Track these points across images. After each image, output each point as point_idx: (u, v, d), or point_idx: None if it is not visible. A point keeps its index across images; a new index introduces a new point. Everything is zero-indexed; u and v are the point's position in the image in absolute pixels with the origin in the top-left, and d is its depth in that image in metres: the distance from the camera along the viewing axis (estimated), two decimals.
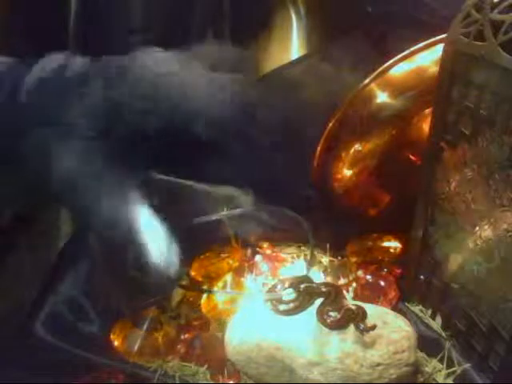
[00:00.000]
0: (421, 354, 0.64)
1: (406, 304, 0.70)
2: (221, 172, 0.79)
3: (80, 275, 0.69)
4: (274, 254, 0.79)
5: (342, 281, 0.73)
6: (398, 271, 0.74)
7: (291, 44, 0.90)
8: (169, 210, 0.68)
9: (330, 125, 0.72)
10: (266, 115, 0.78)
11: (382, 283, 0.72)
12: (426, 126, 0.67)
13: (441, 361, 0.64)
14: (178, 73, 0.61)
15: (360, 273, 0.74)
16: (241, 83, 0.65)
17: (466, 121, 0.57)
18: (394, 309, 0.68)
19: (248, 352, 0.60)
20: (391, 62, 0.69)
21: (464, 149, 0.58)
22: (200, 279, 0.75)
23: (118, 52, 0.65)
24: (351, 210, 0.80)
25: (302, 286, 0.62)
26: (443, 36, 0.59)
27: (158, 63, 0.62)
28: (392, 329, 0.59)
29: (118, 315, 0.68)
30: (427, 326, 0.67)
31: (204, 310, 0.71)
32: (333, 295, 0.61)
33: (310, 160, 0.75)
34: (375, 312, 0.61)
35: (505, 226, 0.54)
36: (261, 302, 0.63)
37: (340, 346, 0.57)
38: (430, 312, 0.69)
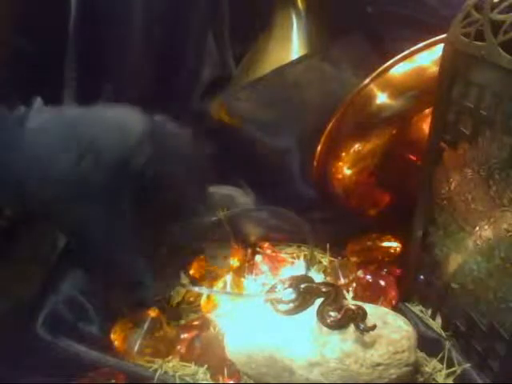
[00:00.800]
0: (421, 354, 0.64)
1: (406, 304, 0.70)
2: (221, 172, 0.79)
3: (80, 275, 0.69)
4: (274, 254, 0.79)
5: (341, 281, 0.73)
6: (398, 271, 0.74)
7: (291, 44, 0.90)
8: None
9: (330, 125, 0.72)
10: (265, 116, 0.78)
11: (382, 283, 0.72)
12: (426, 126, 0.67)
13: (441, 361, 0.64)
14: None
15: (360, 273, 0.74)
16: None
17: (465, 121, 0.57)
18: (394, 309, 0.68)
19: (248, 352, 0.60)
20: (391, 61, 0.69)
21: (464, 149, 0.58)
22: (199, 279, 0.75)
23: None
24: (351, 209, 0.80)
25: (302, 286, 0.62)
26: (443, 36, 0.59)
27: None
28: (392, 329, 0.59)
29: (118, 315, 0.68)
30: (427, 326, 0.67)
31: (204, 310, 0.71)
32: (333, 295, 0.61)
33: (310, 160, 0.75)
34: (375, 312, 0.61)
35: (505, 225, 0.54)
36: (261, 302, 0.63)
37: (340, 346, 0.57)
38: (430, 312, 0.69)
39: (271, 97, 0.83)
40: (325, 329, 0.58)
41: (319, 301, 0.61)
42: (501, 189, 0.54)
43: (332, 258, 0.78)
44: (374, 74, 0.70)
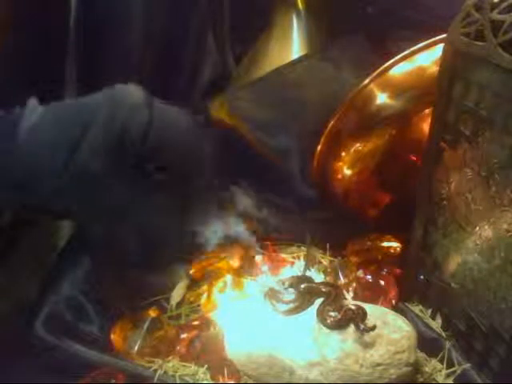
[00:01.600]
0: (421, 354, 0.64)
1: (406, 304, 0.70)
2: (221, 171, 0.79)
3: (80, 275, 0.69)
4: (274, 254, 0.79)
5: (341, 281, 0.73)
6: (398, 271, 0.74)
7: (291, 44, 0.90)
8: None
9: (330, 125, 0.72)
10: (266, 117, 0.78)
11: (382, 283, 0.72)
12: (426, 126, 0.67)
13: (441, 361, 0.64)
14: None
15: (360, 273, 0.74)
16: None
17: (465, 121, 0.57)
18: (394, 309, 0.68)
19: (248, 352, 0.60)
20: (391, 61, 0.69)
21: (464, 149, 0.58)
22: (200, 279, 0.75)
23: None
24: (351, 209, 0.80)
25: (302, 286, 0.62)
26: (443, 36, 0.59)
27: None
28: (392, 329, 0.59)
29: (118, 315, 0.68)
30: (427, 325, 0.67)
31: (204, 310, 0.71)
32: (333, 295, 0.61)
33: (310, 160, 0.75)
34: (375, 312, 0.61)
35: (505, 225, 0.54)
36: (261, 302, 0.63)
37: (340, 346, 0.57)
38: (430, 312, 0.69)
39: (271, 97, 0.83)
40: (325, 329, 0.58)
41: (319, 301, 0.61)
42: (501, 189, 0.54)
43: (332, 258, 0.78)
44: (374, 74, 0.70)
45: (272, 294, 0.63)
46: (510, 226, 0.53)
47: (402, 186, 0.75)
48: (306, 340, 0.58)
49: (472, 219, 0.58)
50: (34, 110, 0.59)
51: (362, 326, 0.57)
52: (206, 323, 0.68)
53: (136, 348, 0.65)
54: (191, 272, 0.75)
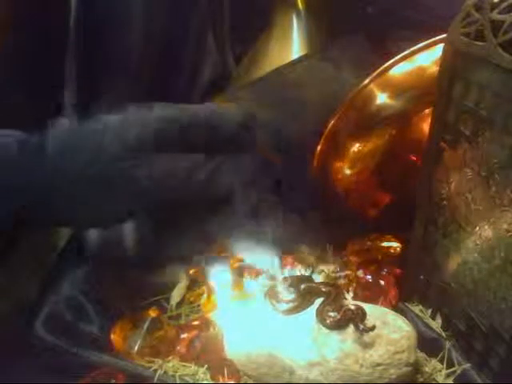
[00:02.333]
0: (421, 354, 0.64)
1: (406, 304, 0.70)
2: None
3: (80, 275, 0.69)
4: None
5: (342, 281, 0.73)
6: (398, 271, 0.74)
7: (291, 44, 0.90)
8: None
9: (330, 125, 0.72)
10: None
11: (382, 283, 0.72)
12: (426, 126, 0.67)
13: (441, 361, 0.64)
14: None
15: (360, 273, 0.74)
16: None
17: (466, 121, 0.57)
18: (394, 309, 0.67)
19: (248, 352, 0.60)
20: (391, 61, 0.69)
21: (464, 149, 0.58)
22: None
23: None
24: (351, 209, 0.80)
25: (302, 285, 0.62)
26: (443, 36, 0.59)
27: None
28: (392, 329, 0.59)
29: (118, 315, 0.68)
30: (427, 325, 0.67)
31: (204, 310, 0.71)
32: (333, 295, 0.61)
33: (310, 160, 0.75)
34: (375, 312, 0.61)
35: (505, 225, 0.54)
36: (261, 302, 0.63)
37: (340, 346, 0.57)
38: (429, 312, 0.69)
39: (271, 97, 0.83)
40: (324, 329, 0.58)
41: (319, 301, 0.61)
42: (501, 189, 0.54)
43: (332, 258, 0.78)
44: (374, 74, 0.70)
45: (272, 294, 0.63)
46: (510, 226, 0.53)
47: (402, 185, 0.75)
48: (306, 340, 0.58)
49: (472, 219, 0.58)
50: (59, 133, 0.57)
51: (361, 327, 0.57)
52: (206, 323, 0.68)
53: (136, 348, 0.64)
54: (191, 272, 0.75)
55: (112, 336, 0.66)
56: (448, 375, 0.63)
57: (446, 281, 0.65)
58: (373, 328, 0.56)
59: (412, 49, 0.68)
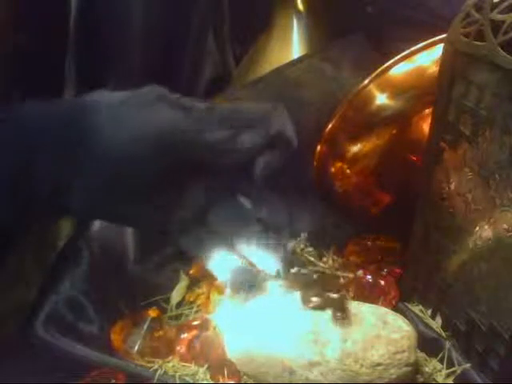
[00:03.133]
0: (421, 354, 0.64)
1: (406, 304, 0.70)
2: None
3: (80, 275, 0.69)
4: None
5: (341, 280, 0.73)
6: (398, 271, 0.74)
7: (291, 44, 0.90)
8: None
9: (330, 125, 0.72)
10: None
11: (382, 283, 0.72)
12: (426, 126, 0.67)
13: (441, 361, 0.64)
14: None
15: (360, 273, 0.73)
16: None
17: (465, 121, 0.57)
18: (394, 309, 0.67)
19: (248, 352, 0.60)
20: (391, 62, 0.69)
21: (464, 149, 0.58)
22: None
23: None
24: (351, 209, 0.80)
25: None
26: (443, 36, 0.59)
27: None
28: (392, 329, 0.59)
29: (118, 315, 0.68)
30: (427, 326, 0.67)
31: (204, 310, 0.71)
32: (321, 283, 0.61)
33: (310, 160, 0.75)
34: (375, 312, 0.61)
35: (505, 225, 0.54)
36: (261, 303, 0.63)
37: (340, 345, 0.57)
38: (430, 312, 0.69)
39: (271, 97, 0.82)
40: (324, 329, 0.58)
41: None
42: (501, 189, 0.54)
43: (334, 257, 0.78)
44: (374, 74, 0.70)
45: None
46: (510, 226, 0.53)
47: (402, 186, 0.75)
48: (306, 340, 0.58)
49: (472, 219, 0.58)
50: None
51: (338, 315, 0.58)
52: (206, 323, 0.68)
53: (136, 348, 0.64)
54: (191, 272, 0.75)
55: (112, 336, 0.66)
56: (448, 375, 0.63)
57: (446, 281, 0.65)
58: (346, 317, 0.58)
59: (412, 49, 0.68)
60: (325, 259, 0.64)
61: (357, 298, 0.70)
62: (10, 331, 0.65)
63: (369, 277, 0.72)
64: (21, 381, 0.61)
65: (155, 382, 0.62)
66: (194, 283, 0.75)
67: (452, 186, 0.61)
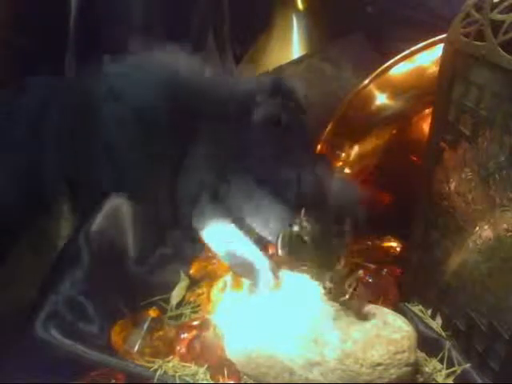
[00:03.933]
0: (421, 354, 0.64)
1: (406, 304, 0.70)
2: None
3: (80, 275, 0.69)
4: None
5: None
6: (398, 271, 0.74)
7: (291, 44, 0.90)
8: None
9: (330, 125, 0.72)
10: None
11: (382, 283, 0.72)
12: (426, 126, 0.67)
13: (441, 361, 0.64)
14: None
15: (360, 273, 0.73)
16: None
17: (465, 121, 0.57)
18: (394, 309, 0.67)
19: (248, 352, 0.60)
20: (391, 62, 0.69)
21: (464, 149, 0.58)
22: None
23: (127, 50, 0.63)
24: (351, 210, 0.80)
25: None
26: (443, 36, 0.59)
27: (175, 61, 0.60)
28: (392, 329, 0.59)
29: (118, 315, 0.68)
30: (427, 326, 0.67)
31: (204, 310, 0.71)
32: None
33: None
34: (375, 312, 0.61)
35: (505, 225, 0.54)
36: (261, 302, 0.63)
37: (340, 345, 0.57)
38: (430, 312, 0.69)
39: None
40: (324, 329, 0.58)
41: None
42: (501, 189, 0.54)
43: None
44: (374, 74, 0.70)
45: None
46: (510, 226, 0.53)
47: (402, 185, 0.75)
48: (306, 340, 0.58)
49: (472, 219, 0.58)
50: None
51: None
52: (206, 323, 0.68)
53: (136, 348, 0.64)
54: (191, 272, 0.75)
55: (112, 336, 0.66)
56: (448, 375, 0.63)
57: (446, 281, 0.65)
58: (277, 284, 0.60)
59: (412, 49, 0.68)
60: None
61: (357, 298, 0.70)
62: (10, 331, 0.65)
63: (369, 277, 0.73)
64: (21, 380, 0.61)
65: (155, 382, 0.62)
66: (194, 283, 0.75)
67: (452, 186, 0.61)
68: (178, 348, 0.66)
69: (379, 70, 0.69)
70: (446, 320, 0.67)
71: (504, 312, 0.56)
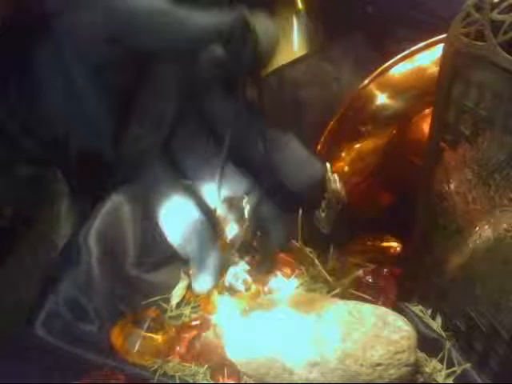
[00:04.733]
0: (421, 354, 0.64)
1: (406, 304, 0.70)
2: None
3: (80, 275, 0.69)
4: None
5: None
6: (398, 271, 0.74)
7: (291, 44, 0.90)
8: None
9: (330, 125, 0.72)
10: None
11: (382, 283, 0.72)
12: (426, 126, 0.67)
13: (441, 361, 0.64)
14: None
15: (360, 273, 0.73)
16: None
17: (466, 121, 0.57)
18: (394, 309, 0.67)
19: (248, 352, 0.60)
20: (391, 62, 0.69)
21: (464, 149, 0.58)
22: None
23: None
24: (351, 210, 0.80)
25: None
26: (443, 36, 0.59)
27: None
28: (392, 329, 0.59)
29: (118, 315, 0.68)
30: (427, 326, 0.67)
31: (204, 310, 0.71)
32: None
33: None
34: (375, 312, 0.61)
35: (505, 225, 0.54)
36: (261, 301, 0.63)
37: (340, 345, 0.57)
38: (430, 312, 0.69)
39: (271, 97, 0.82)
40: (324, 328, 0.58)
41: None
42: (501, 189, 0.54)
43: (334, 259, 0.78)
44: (374, 74, 0.70)
45: None
46: (510, 226, 0.53)
47: (402, 185, 0.75)
48: (306, 340, 0.58)
49: (472, 219, 0.58)
50: None
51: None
52: (206, 323, 0.68)
53: (136, 348, 0.65)
54: (191, 272, 0.75)
55: (112, 336, 0.66)
56: (448, 375, 0.63)
57: (446, 281, 0.65)
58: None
59: (412, 49, 0.68)
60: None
61: (357, 298, 0.70)
62: (10, 331, 0.65)
63: (369, 277, 0.73)
64: (21, 381, 0.61)
65: (155, 382, 0.62)
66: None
67: (452, 186, 0.61)
68: (178, 348, 0.66)
69: (379, 70, 0.69)
70: (446, 320, 0.67)
71: (504, 312, 0.56)
